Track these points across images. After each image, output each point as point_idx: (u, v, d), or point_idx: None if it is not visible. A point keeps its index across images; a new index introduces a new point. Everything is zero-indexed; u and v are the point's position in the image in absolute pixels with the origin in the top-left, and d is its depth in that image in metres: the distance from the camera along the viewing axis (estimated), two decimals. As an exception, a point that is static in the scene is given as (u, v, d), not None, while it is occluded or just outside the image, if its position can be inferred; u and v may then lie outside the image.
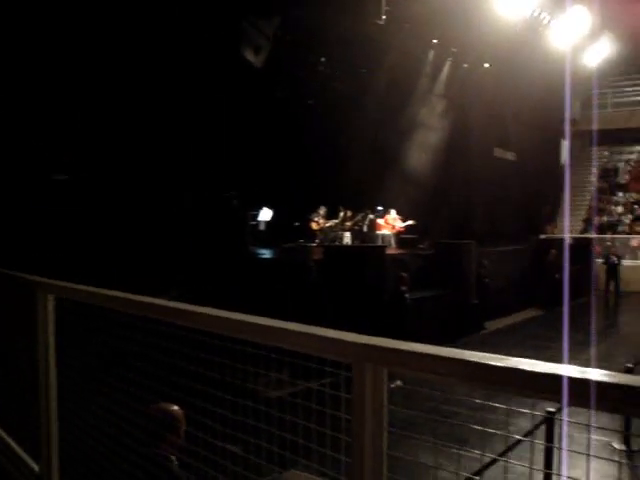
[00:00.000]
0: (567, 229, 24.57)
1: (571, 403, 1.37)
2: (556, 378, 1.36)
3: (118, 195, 11.95)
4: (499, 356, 1.49)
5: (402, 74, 18.32)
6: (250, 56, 15.21)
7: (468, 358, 1.51)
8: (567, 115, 23.68)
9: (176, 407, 3.19)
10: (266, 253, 14.75)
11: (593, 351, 12.68)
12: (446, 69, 20.04)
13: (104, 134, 12.31)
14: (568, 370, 1.37)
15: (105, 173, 12.08)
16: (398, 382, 2.06)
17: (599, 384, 1.30)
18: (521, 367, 1.43)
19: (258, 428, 2.39)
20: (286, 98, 16.56)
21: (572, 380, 1.34)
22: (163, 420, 3.14)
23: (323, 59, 17.44)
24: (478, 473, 3.59)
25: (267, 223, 17.22)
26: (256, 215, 17.06)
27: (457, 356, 1.53)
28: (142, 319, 2.64)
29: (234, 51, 14.84)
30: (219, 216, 14.03)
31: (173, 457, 3.17)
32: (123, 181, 12.13)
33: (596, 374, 1.33)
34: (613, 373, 1.32)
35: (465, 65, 20.41)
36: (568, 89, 20.57)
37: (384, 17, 15.93)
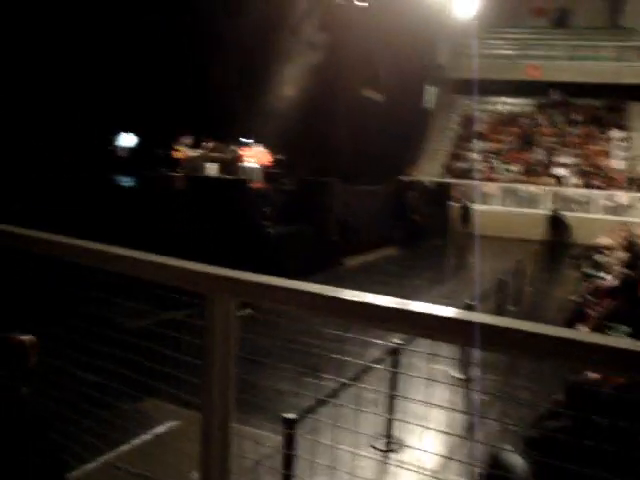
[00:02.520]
0: (428, 172, 25.59)
1: (415, 334, 1.53)
2: (399, 312, 1.47)
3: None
4: (344, 290, 1.56)
5: (276, 5, 17.86)
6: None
7: (308, 289, 1.60)
8: (434, 61, 24.37)
9: (27, 336, 3.13)
10: (126, 180, 14.13)
11: (443, 289, 13.52)
12: (320, 3, 19.77)
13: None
14: (409, 304, 1.47)
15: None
16: (248, 310, 2.06)
17: (438, 318, 1.42)
18: (364, 300, 1.52)
19: (119, 357, 2.36)
20: (154, 19, 15.63)
21: (415, 314, 1.44)
22: (10, 349, 3.09)
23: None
24: (330, 397, 3.75)
25: (129, 149, 16.46)
26: (117, 140, 16.26)
27: (300, 287, 1.62)
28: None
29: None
30: (73, 138, 13.23)
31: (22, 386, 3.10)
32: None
33: (435, 309, 1.43)
34: (450, 308, 1.43)
35: (340, 0, 20.24)
36: (440, 39, 21.12)
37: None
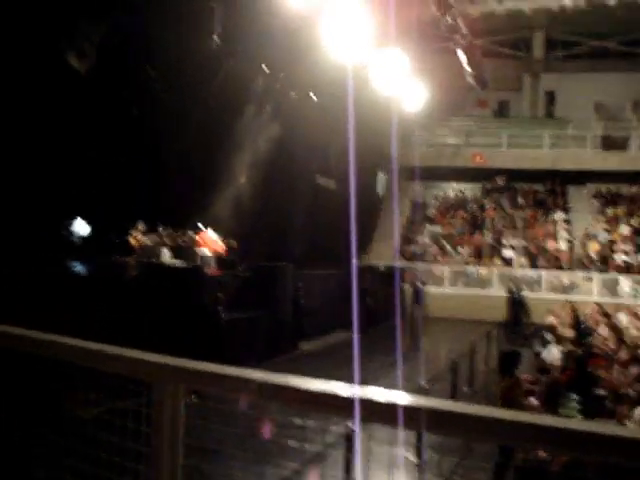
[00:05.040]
0: (381, 257, 26.05)
1: (369, 421, 1.51)
2: (342, 399, 1.48)
3: None
4: (291, 376, 1.61)
5: (231, 95, 18.50)
6: (74, 61, 14.55)
7: (251, 377, 1.62)
8: (388, 151, 25.32)
9: None
10: (80, 268, 14.02)
11: (398, 371, 13.58)
12: (274, 95, 20.56)
13: None
14: (354, 391, 1.48)
15: None
16: (193, 397, 2.13)
17: (391, 405, 1.42)
18: (307, 387, 1.55)
19: (69, 447, 2.34)
20: (109, 107, 15.97)
21: (363, 401, 1.45)
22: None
23: (153, 72, 17.12)
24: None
25: (83, 238, 16.37)
26: (70, 227, 16.18)
27: (247, 375, 1.64)
28: None
29: (58, 55, 14.13)
30: (31, 226, 13.17)
31: None
32: None
33: (387, 396, 1.45)
34: (402, 394, 1.47)
35: (293, 94, 21.09)
36: (393, 130, 22.08)
37: (216, 38, 16.06)
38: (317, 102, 21.38)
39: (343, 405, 1.47)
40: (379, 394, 1.46)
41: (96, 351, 1.91)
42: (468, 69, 26.54)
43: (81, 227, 16.31)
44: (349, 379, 1.59)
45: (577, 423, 1.37)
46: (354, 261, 23.61)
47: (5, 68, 12.42)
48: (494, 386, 8.04)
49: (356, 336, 15.20)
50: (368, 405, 1.44)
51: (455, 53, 25.40)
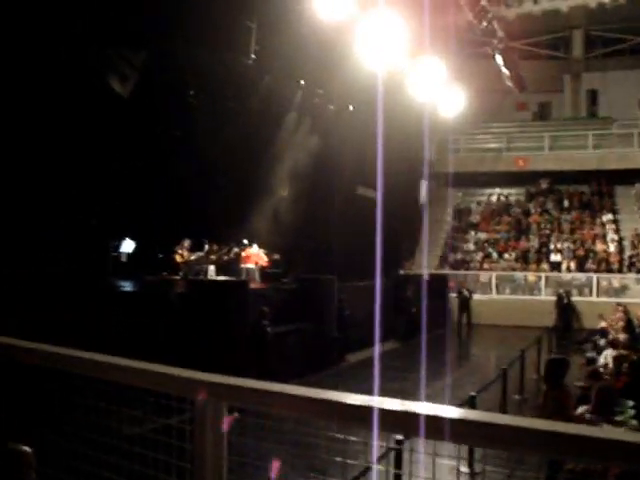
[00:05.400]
0: (424, 265, 25.86)
1: (406, 434, 1.52)
2: (385, 412, 1.46)
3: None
4: (335, 392, 1.59)
5: (270, 111, 18.74)
6: (116, 85, 14.96)
7: (292, 392, 1.63)
8: (426, 158, 25.23)
9: (25, 447, 2.90)
10: (128, 285, 14.35)
11: (446, 381, 13.44)
12: (312, 109, 20.72)
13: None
14: (407, 406, 1.46)
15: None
16: (235, 414, 2.15)
17: (439, 419, 1.40)
18: (339, 400, 1.54)
19: (117, 464, 2.39)
20: (153, 129, 16.36)
21: (413, 415, 1.43)
22: (9, 463, 2.88)
23: (192, 92, 17.46)
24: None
25: (129, 255, 16.76)
26: (118, 246, 16.58)
27: (284, 391, 1.65)
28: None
29: (101, 80, 14.54)
30: (78, 244, 13.55)
31: None
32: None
33: (434, 410, 1.43)
34: (450, 408, 1.45)
35: (331, 107, 21.22)
36: (426, 135, 22.01)
37: (253, 56, 16.28)
38: (355, 113, 21.45)
39: (385, 419, 1.47)
40: (423, 407, 1.45)
41: (139, 369, 1.94)
42: (506, 72, 26.27)
43: (128, 246, 16.71)
44: (399, 389, 1.58)
45: (621, 434, 1.33)
46: (399, 271, 23.58)
47: (50, 92, 12.84)
48: (540, 396, 7.89)
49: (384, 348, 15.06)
50: (412, 419, 1.43)
51: (492, 57, 25.18)
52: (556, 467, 5.85)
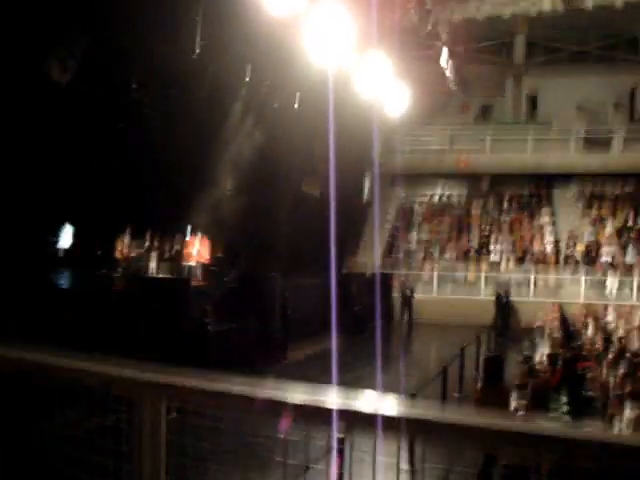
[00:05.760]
0: (367, 264, 26.07)
1: (347, 430, 1.48)
2: (326, 409, 1.45)
3: None
4: (275, 389, 1.57)
5: (215, 104, 18.47)
6: (54, 72, 14.46)
7: (233, 391, 1.59)
8: (372, 156, 25.40)
9: None
10: (65, 282, 13.94)
11: (387, 377, 13.56)
12: (258, 103, 20.55)
13: None
14: (337, 401, 1.46)
15: None
16: (174, 414, 2.10)
17: (376, 416, 1.38)
18: (301, 401, 1.51)
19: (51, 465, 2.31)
20: (94, 119, 15.89)
21: (346, 411, 1.42)
22: None
23: (134, 84, 17.05)
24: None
25: (66, 250, 16.25)
26: (56, 241, 16.07)
27: (225, 390, 1.61)
28: None
29: (39, 67, 14.04)
30: (14, 238, 13.06)
31: None
32: None
33: (374, 406, 1.43)
34: (389, 403, 1.44)
35: (276, 101, 21.10)
36: (375, 133, 22.16)
37: (198, 51, 16.04)
38: (301, 108, 21.39)
39: (327, 415, 1.44)
40: (362, 404, 1.43)
41: (75, 367, 1.85)
42: (450, 75, 26.71)
43: (67, 239, 16.20)
44: (341, 385, 1.55)
45: (556, 429, 1.33)
46: (342, 270, 23.70)
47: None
48: (474, 392, 8.03)
49: (334, 345, 15.19)
50: (351, 415, 1.42)
51: (437, 59, 25.56)
52: (491, 462, 5.97)
